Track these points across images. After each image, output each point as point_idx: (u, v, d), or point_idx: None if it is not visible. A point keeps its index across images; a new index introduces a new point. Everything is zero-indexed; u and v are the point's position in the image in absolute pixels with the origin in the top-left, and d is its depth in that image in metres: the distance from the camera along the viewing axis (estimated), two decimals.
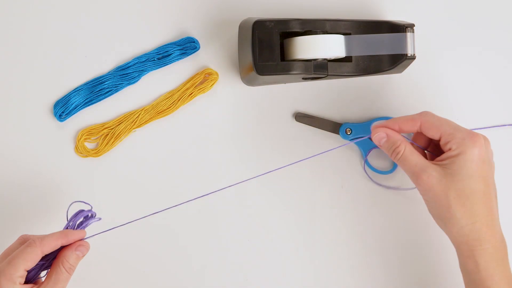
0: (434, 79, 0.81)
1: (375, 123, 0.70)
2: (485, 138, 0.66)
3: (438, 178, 0.65)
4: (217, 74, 0.78)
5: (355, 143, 0.78)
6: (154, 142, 0.79)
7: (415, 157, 0.67)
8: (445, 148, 0.66)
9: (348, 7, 0.80)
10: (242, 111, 0.79)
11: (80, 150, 0.77)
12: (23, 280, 0.64)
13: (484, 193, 0.66)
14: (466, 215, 0.65)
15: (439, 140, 0.67)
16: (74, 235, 0.66)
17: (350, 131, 0.78)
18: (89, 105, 0.78)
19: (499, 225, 0.67)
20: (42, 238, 0.65)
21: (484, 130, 0.80)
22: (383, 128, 0.69)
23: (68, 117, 0.78)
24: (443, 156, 0.66)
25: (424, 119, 0.68)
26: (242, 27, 0.75)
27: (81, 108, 0.78)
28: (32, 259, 0.64)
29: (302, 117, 0.78)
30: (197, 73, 0.78)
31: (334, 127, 0.79)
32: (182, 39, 0.78)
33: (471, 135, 0.66)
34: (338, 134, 0.79)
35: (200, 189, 0.78)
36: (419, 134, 0.71)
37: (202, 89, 0.78)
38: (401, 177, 0.79)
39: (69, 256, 0.65)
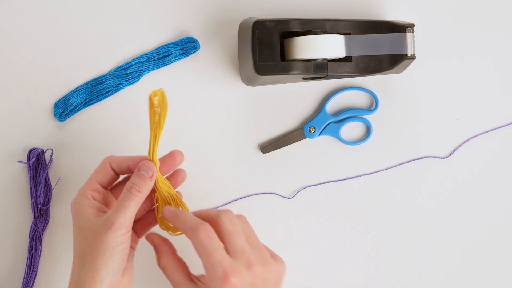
0: (434, 79, 0.81)
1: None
2: (240, 281, 0.61)
3: None
4: (163, 98, 0.63)
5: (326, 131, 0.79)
6: None
7: (176, 275, 0.65)
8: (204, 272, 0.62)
9: (348, 7, 0.80)
10: (242, 111, 0.79)
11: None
12: (97, 195, 0.66)
13: None
14: None
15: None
16: (142, 158, 0.66)
17: (314, 129, 0.78)
18: (89, 105, 0.78)
19: None
20: (114, 156, 0.67)
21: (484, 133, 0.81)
22: (155, 236, 0.67)
23: (68, 117, 0.78)
24: (202, 277, 0.63)
25: (195, 238, 0.62)
26: (242, 27, 0.75)
27: (81, 108, 0.78)
28: (100, 171, 0.66)
29: (267, 147, 0.78)
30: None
31: (298, 134, 0.79)
32: (182, 39, 0.78)
33: (224, 277, 0.60)
34: (306, 138, 0.79)
35: (201, 190, 0.79)
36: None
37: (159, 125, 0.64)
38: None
39: (132, 176, 0.65)
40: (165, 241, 0.67)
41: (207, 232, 0.62)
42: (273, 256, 0.66)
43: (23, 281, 0.75)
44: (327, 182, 0.79)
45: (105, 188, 0.68)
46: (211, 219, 0.64)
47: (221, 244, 0.62)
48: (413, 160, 0.80)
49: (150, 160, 0.65)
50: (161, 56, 0.78)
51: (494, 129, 0.81)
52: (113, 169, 0.67)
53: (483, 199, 0.80)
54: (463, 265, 0.80)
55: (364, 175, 0.80)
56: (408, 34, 0.74)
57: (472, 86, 0.81)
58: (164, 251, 0.66)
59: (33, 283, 0.75)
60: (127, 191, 0.64)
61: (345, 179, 0.80)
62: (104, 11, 0.79)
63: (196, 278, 0.65)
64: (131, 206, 0.63)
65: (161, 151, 0.78)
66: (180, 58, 0.79)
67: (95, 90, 0.78)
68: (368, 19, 0.76)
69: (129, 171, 0.67)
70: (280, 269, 0.66)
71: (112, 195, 0.69)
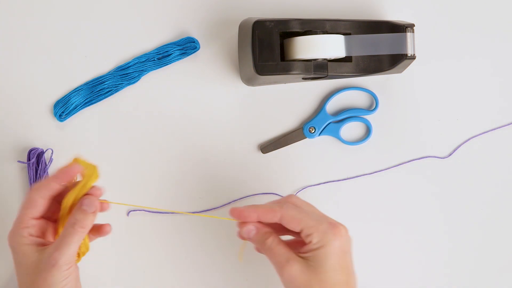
0: (434, 79, 0.81)
1: (237, 212, 0.67)
2: (344, 228, 0.65)
3: (300, 270, 0.64)
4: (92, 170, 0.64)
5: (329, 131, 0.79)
6: (153, 143, 0.79)
7: (281, 248, 0.65)
8: (306, 240, 0.64)
9: (348, 7, 0.80)
10: (242, 111, 0.79)
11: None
12: (32, 229, 0.63)
13: (347, 283, 0.65)
14: None
15: (300, 233, 0.65)
16: (64, 170, 0.64)
17: (314, 129, 0.78)
18: (89, 105, 0.78)
19: None
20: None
21: (484, 132, 0.81)
22: (250, 223, 0.67)
23: (68, 117, 0.78)
24: (305, 248, 0.65)
25: (284, 213, 0.65)
26: (242, 27, 0.75)
27: (81, 108, 0.78)
28: (30, 205, 0.63)
29: (267, 147, 0.78)
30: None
31: (298, 134, 0.79)
32: (182, 39, 0.78)
33: (332, 227, 0.64)
34: (306, 138, 0.79)
35: (201, 189, 0.79)
36: None
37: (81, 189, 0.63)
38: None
39: (74, 211, 0.63)
40: (263, 224, 0.67)
41: (291, 204, 0.66)
42: None
43: None
44: (327, 182, 0.79)
45: (39, 218, 0.64)
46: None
47: None
48: (413, 160, 0.80)
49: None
50: (161, 56, 0.78)
51: (494, 129, 0.81)
52: (43, 200, 0.64)
53: (483, 199, 0.80)
54: (463, 265, 0.80)
55: (364, 175, 0.80)
56: (408, 34, 0.74)
57: (472, 86, 0.81)
58: (267, 231, 0.66)
59: None
60: (70, 227, 0.62)
61: (345, 179, 0.80)
62: (104, 11, 0.79)
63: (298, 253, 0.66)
64: (74, 243, 0.62)
65: (161, 149, 0.79)
66: (180, 58, 0.79)
67: (95, 90, 0.78)
68: (368, 19, 0.76)
69: (53, 188, 0.64)
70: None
71: (46, 221, 0.65)
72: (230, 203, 0.79)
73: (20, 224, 0.63)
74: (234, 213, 0.66)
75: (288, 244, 0.66)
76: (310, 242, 0.64)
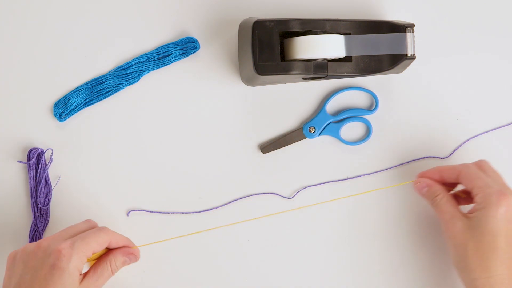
0: (434, 79, 0.81)
1: (421, 174, 0.75)
2: None
3: (462, 228, 0.68)
4: None
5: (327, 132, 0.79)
6: (153, 143, 0.79)
7: (448, 206, 0.71)
8: (474, 201, 0.69)
9: (348, 7, 0.80)
10: (242, 111, 0.79)
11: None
12: (85, 261, 0.67)
13: (505, 251, 0.67)
14: (481, 268, 0.67)
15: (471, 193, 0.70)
16: (130, 242, 0.72)
17: (314, 129, 0.78)
18: (89, 105, 0.78)
19: None
20: (113, 231, 0.70)
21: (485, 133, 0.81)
22: (424, 179, 0.74)
23: (68, 117, 0.78)
24: (472, 208, 0.69)
25: (463, 170, 0.72)
26: (242, 27, 0.75)
27: (81, 108, 0.78)
28: (101, 243, 0.68)
29: (267, 147, 0.78)
30: None
31: (298, 134, 0.79)
32: (182, 39, 0.78)
33: (499, 193, 0.68)
34: (306, 138, 0.79)
35: (201, 189, 0.79)
36: None
37: None
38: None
39: (118, 258, 0.69)
40: (437, 182, 0.73)
41: (472, 166, 0.72)
42: None
43: None
44: (327, 182, 0.79)
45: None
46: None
47: None
48: (413, 160, 0.80)
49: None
50: (161, 56, 0.78)
51: (494, 129, 0.81)
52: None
53: None
54: None
55: (364, 175, 0.80)
56: (408, 34, 0.74)
57: (472, 86, 0.81)
58: (438, 188, 0.72)
59: None
60: (111, 271, 0.69)
61: (345, 179, 0.80)
62: (104, 11, 0.79)
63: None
64: (105, 282, 0.69)
65: (161, 149, 0.79)
66: (180, 58, 0.79)
67: (95, 90, 0.78)
68: (368, 19, 0.76)
69: (119, 246, 0.71)
70: None
71: None
72: (230, 202, 0.79)
73: (87, 251, 0.66)
74: (420, 178, 0.74)
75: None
76: (476, 202, 0.68)
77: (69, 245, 0.65)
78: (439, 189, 0.73)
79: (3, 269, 0.76)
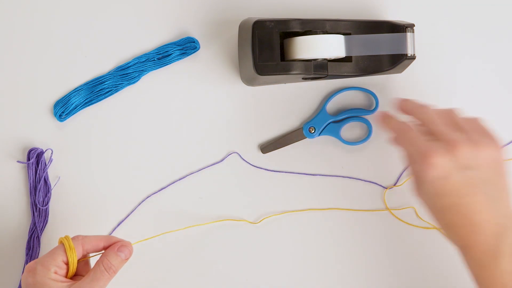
0: (434, 79, 0.81)
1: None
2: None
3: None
4: None
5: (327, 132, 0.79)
6: (153, 143, 0.79)
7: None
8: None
9: (348, 7, 0.80)
10: (242, 111, 0.79)
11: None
12: (60, 270, 0.66)
13: (496, 184, 0.65)
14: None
15: None
16: (118, 239, 0.69)
17: (314, 129, 0.78)
18: (89, 105, 0.78)
19: None
20: (86, 236, 0.68)
21: None
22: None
23: (68, 117, 0.78)
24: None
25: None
26: (242, 27, 0.75)
27: (81, 108, 0.78)
28: (67, 252, 0.66)
29: (267, 147, 0.78)
30: None
31: (298, 134, 0.79)
32: (182, 39, 0.78)
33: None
34: (306, 138, 0.79)
35: (201, 189, 0.79)
36: None
37: None
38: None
39: (110, 256, 0.67)
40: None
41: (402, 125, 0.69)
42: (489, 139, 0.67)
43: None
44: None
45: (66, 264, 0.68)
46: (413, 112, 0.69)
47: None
48: None
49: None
50: (161, 56, 0.78)
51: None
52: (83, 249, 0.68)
53: None
54: (463, 265, 0.80)
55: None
56: (408, 34, 0.74)
57: (472, 86, 0.81)
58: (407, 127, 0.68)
59: None
60: (105, 271, 0.66)
61: (345, 178, 0.80)
62: (104, 11, 0.79)
63: None
64: (105, 285, 0.67)
65: (161, 149, 0.79)
66: (180, 58, 0.79)
67: (95, 90, 0.78)
68: (368, 19, 0.76)
69: (95, 250, 0.69)
70: (493, 152, 0.66)
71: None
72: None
73: (52, 261, 0.66)
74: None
75: None
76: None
77: (33, 261, 0.66)
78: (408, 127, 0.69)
79: (3, 268, 0.77)
